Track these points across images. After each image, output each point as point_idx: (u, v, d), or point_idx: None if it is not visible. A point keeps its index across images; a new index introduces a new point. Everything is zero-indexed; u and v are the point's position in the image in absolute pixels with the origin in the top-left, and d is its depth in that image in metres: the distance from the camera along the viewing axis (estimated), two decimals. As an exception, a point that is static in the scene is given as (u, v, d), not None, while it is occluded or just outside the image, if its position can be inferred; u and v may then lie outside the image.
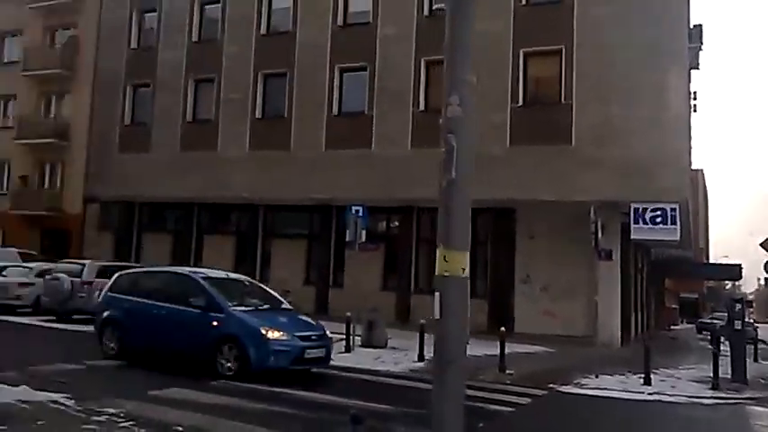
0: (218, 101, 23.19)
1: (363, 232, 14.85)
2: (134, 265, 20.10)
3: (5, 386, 7.26)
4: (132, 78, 25.17)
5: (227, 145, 22.79)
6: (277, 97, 22.28)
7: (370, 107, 20.68)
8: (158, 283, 11.34)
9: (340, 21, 21.58)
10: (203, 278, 10.69)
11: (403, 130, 19.93)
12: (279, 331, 9.65)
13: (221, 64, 23.19)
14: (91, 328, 15.14)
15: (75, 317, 16.50)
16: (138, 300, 10.91)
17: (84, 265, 17.44)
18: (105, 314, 11.24)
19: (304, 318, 10.90)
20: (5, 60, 29.36)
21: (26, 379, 8.06)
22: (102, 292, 11.91)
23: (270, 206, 22.51)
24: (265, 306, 10.70)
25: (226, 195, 22.47)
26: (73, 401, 7.15)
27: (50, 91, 28.01)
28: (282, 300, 11.42)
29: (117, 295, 11.37)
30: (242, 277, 12.69)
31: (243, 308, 10.14)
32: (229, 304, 9.99)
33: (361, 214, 14.74)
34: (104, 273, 17.16)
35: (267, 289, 12.13)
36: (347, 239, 15.25)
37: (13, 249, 22.51)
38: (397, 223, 21.27)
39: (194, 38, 24.10)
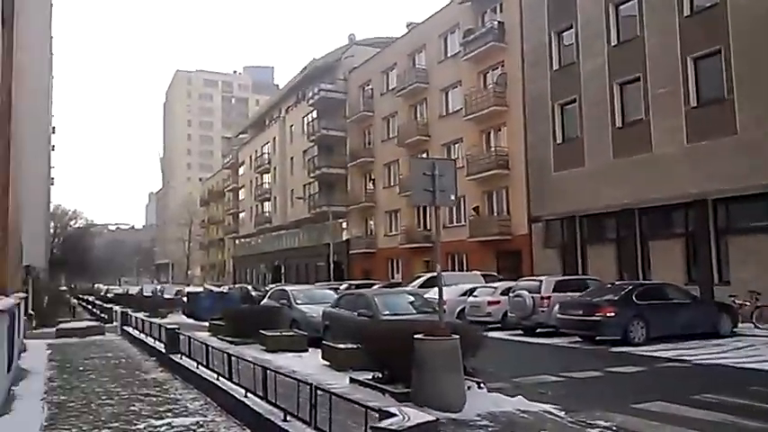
0: (645, 99, 22.27)
1: None
2: (587, 277, 20.58)
3: (504, 396, 8.11)
4: (558, 98, 26.23)
5: (662, 142, 21.60)
6: (712, 79, 20.17)
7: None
8: None
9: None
10: None
11: None
12: None
13: (645, 59, 22.28)
14: (556, 340, 16.13)
15: (538, 330, 17.67)
16: None
17: (541, 281, 18.56)
18: None
19: None
20: (450, 111, 34.20)
21: (516, 389, 8.89)
22: None
23: (721, 199, 20.23)
24: None
25: (668, 195, 21.20)
26: (563, 412, 7.55)
27: (489, 128, 31.28)
28: None
29: None
30: None
31: None
32: None
33: None
34: (560, 287, 18.15)
35: None
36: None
37: (476, 273, 25.53)
38: None
39: (613, 42, 23.77)
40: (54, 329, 19.89)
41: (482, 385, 8.25)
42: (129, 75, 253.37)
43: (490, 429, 6.70)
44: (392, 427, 3.30)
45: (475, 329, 8.91)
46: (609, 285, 17.42)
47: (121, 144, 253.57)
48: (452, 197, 7.50)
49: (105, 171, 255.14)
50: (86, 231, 69.20)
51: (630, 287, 16.29)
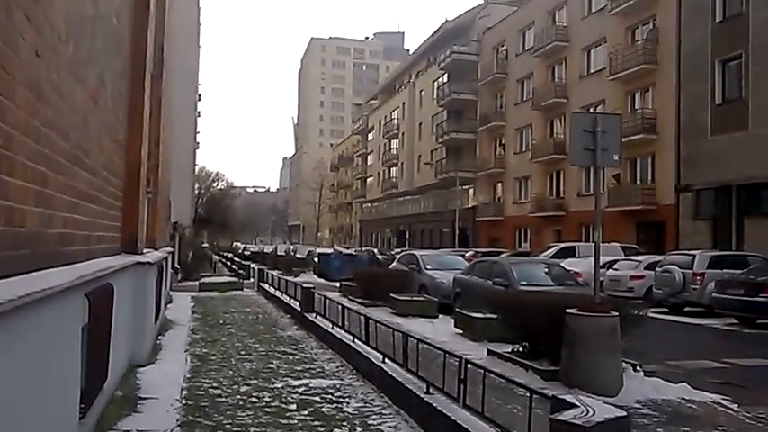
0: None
1: None
2: (748, 254, 18.49)
3: (665, 381, 7.24)
4: (719, 54, 23.61)
5: None
6: None
7: None
8: None
9: None
10: None
11: None
12: None
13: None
14: (709, 321, 14.67)
15: (686, 309, 16.22)
16: None
17: (693, 256, 16.95)
18: None
19: None
20: (592, 70, 32.07)
21: (676, 375, 7.96)
22: None
23: None
24: None
25: None
26: (736, 405, 6.61)
27: (635, 89, 29.00)
28: None
29: None
30: None
31: None
32: None
33: None
34: (715, 263, 16.42)
35: None
36: None
37: (615, 244, 23.88)
38: None
39: (790, -12, 20.94)
40: (197, 283, 21.06)
41: (638, 368, 7.43)
42: (266, 42, 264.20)
43: (654, 419, 5.93)
44: (577, 422, 2.75)
45: (633, 306, 8.04)
46: (776, 263, 15.57)
47: (259, 110, 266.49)
48: (615, 157, 6.67)
49: (244, 136, 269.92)
50: (227, 193, 73.26)
51: (805, 266, 14.43)
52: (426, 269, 17.18)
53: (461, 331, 10.86)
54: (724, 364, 9.36)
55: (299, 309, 12.58)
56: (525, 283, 11.87)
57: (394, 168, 62.07)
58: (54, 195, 3.83)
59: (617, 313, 6.59)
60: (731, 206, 23.37)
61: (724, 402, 6.69)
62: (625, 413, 3.10)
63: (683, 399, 6.70)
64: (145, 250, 8.17)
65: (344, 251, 33.33)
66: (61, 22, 3.81)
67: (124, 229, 7.14)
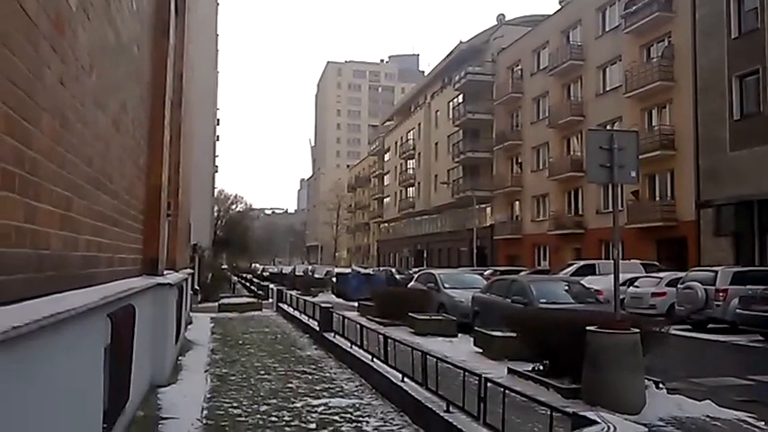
0: None
1: None
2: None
3: (689, 399, 7.14)
4: (736, 69, 23.49)
5: None
6: None
7: None
8: None
9: None
10: None
11: None
12: None
13: None
14: (733, 338, 14.41)
15: (709, 326, 15.97)
16: None
17: (716, 272, 16.72)
18: None
19: None
20: (608, 88, 32.03)
21: (700, 392, 7.84)
22: None
23: None
24: None
25: None
26: (762, 423, 6.49)
27: (652, 105, 28.89)
28: None
29: None
30: None
31: None
32: None
33: None
34: (738, 279, 16.16)
35: None
36: None
37: (636, 261, 23.65)
38: None
39: (806, 2, 20.83)
40: (216, 304, 21.15)
41: (661, 385, 7.33)
42: (283, 67, 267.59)
43: (679, 438, 5.86)
44: (598, 439, 2.73)
45: (655, 323, 7.94)
46: (801, 279, 15.29)
47: (277, 133, 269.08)
48: (633, 174, 6.66)
49: (262, 159, 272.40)
50: (246, 215, 73.85)
51: (830, 282, 14.16)
52: (445, 288, 17.12)
53: (481, 350, 10.79)
54: (749, 381, 9.20)
55: (317, 328, 12.59)
56: (545, 300, 11.78)
57: (411, 188, 62.16)
58: (78, 219, 3.92)
59: (638, 330, 6.52)
60: (753, 221, 23.06)
61: (750, 420, 6.58)
62: (647, 431, 3.07)
63: (707, 416, 6.59)
64: (165, 272, 8.27)
65: (362, 271, 33.30)
66: (85, 52, 3.93)
67: (145, 252, 7.25)
